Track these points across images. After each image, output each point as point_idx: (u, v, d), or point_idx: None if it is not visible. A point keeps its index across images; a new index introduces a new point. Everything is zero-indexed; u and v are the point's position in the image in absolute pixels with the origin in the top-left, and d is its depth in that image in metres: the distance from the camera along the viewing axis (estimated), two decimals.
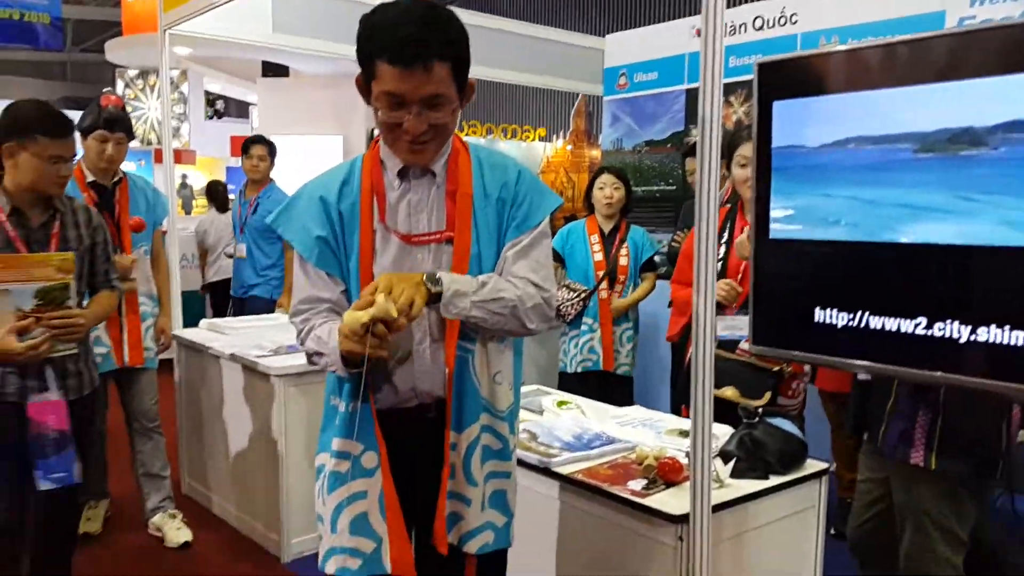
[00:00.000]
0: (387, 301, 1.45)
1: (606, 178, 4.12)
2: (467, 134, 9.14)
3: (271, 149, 5.00)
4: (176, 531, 3.51)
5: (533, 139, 15.57)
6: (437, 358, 1.68)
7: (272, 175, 5.21)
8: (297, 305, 1.70)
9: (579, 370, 4.07)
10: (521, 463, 2.20)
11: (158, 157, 8.43)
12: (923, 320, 1.59)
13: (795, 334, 1.81)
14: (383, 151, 1.69)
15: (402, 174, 1.67)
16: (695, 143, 3.22)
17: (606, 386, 4.01)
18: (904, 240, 1.63)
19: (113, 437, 3.70)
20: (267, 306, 4.83)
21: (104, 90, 3.58)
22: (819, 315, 1.75)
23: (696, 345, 1.79)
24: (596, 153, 11.48)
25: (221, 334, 4.00)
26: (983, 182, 1.51)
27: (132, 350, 3.45)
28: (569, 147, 15.19)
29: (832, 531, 3.66)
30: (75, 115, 3.55)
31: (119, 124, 3.35)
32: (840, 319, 1.72)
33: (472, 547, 1.70)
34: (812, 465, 2.21)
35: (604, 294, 4.07)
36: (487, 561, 1.76)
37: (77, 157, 2.83)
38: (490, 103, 14.07)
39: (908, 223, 1.61)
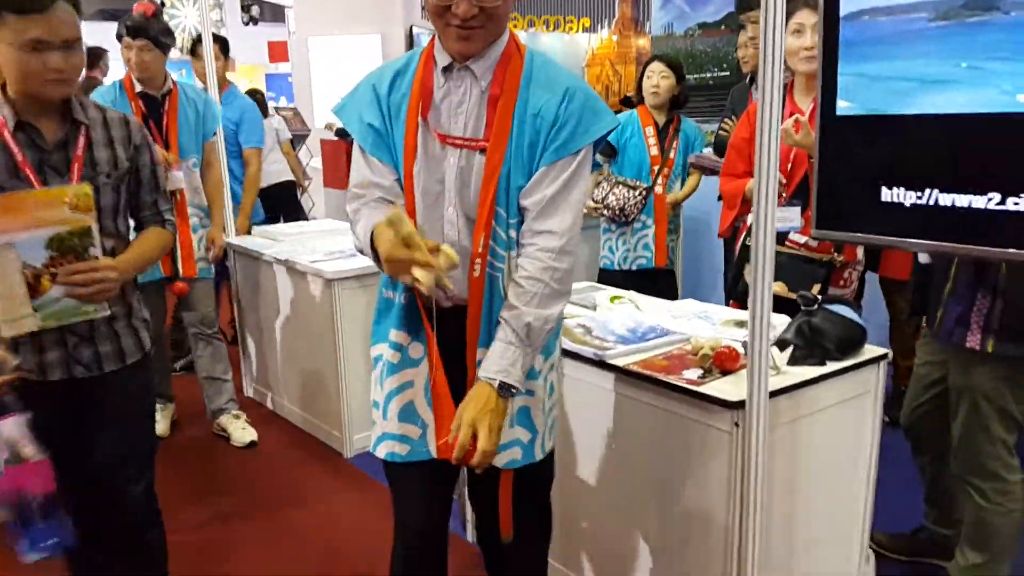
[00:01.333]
0: (441, 273, 1.42)
1: (655, 66, 3.96)
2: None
3: (223, 46, 4.51)
4: (241, 431, 3.64)
5: (577, 30, 15.13)
6: (466, 271, 1.64)
7: (313, 77, 5.08)
8: (353, 187, 1.70)
9: (633, 267, 4.00)
10: (576, 356, 2.22)
11: None
12: (996, 196, 1.52)
13: (861, 216, 1.74)
14: (436, 46, 1.64)
15: (447, 71, 1.62)
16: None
17: (652, 282, 3.95)
18: (964, 112, 1.54)
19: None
20: None
21: None
22: (886, 195, 1.67)
23: (756, 232, 1.75)
24: (644, 42, 11.11)
25: (274, 241, 4.04)
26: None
27: (185, 262, 3.51)
28: (615, 37, 14.73)
29: (886, 418, 3.66)
30: (112, 27, 3.54)
31: (141, 32, 3.31)
32: (908, 198, 1.65)
33: (499, 461, 1.68)
34: (870, 351, 2.18)
35: (659, 189, 3.98)
36: (524, 476, 1.74)
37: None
38: None
39: (963, 92, 1.52)
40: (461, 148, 1.62)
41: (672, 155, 3.98)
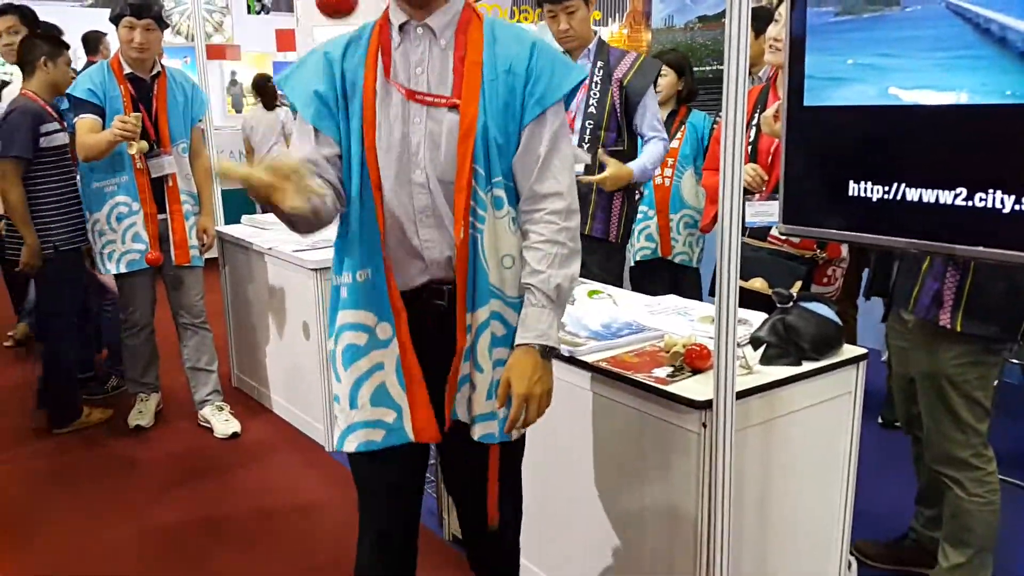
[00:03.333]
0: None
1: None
2: (518, 20, 8.80)
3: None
4: (224, 423, 3.62)
5: None
6: (444, 233, 1.62)
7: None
8: None
9: (638, 258, 4.00)
10: None
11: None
12: (963, 191, 1.46)
13: (827, 211, 1.69)
14: (391, 6, 1.61)
15: (403, 29, 1.60)
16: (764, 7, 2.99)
17: (671, 276, 3.96)
18: (930, 103, 1.49)
19: (163, 333, 3.79)
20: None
21: None
22: (853, 189, 1.62)
23: (721, 227, 1.69)
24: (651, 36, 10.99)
25: (263, 229, 4.01)
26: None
27: (178, 249, 3.49)
28: (626, 31, 14.63)
29: (880, 420, 3.60)
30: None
31: (146, 9, 3.28)
32: (875, 192, 1.59)
33: (475, 433, 1.67)
34: (849, 350, 2.12)
35: (659, 180, 3.94)
36: (500, 453, 1.71)
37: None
38: None
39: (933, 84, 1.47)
40: (429, 106, 1.59)
41: (677, 145, 3.93)
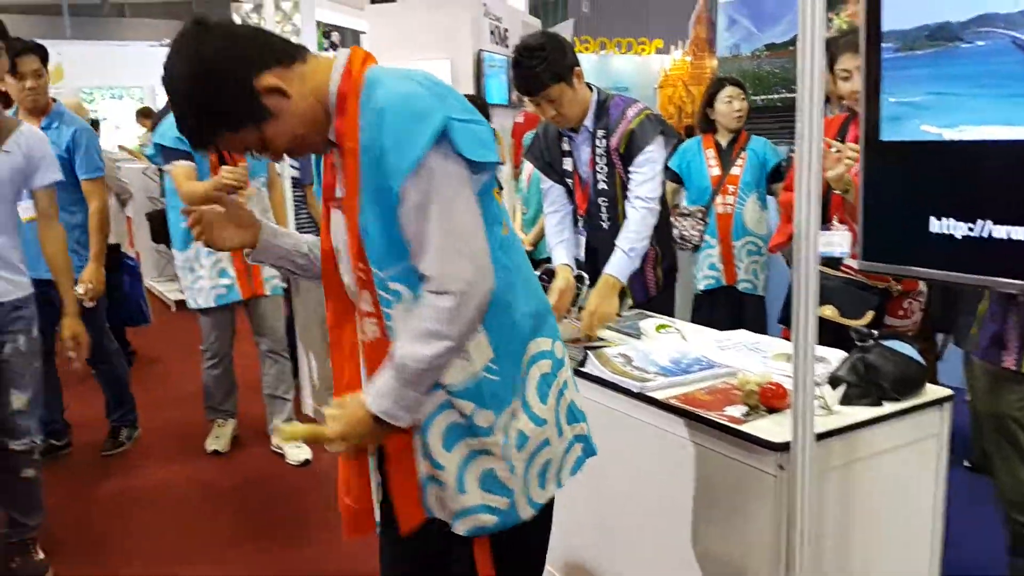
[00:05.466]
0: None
1: (732, 91, 3.87)
2: (578, 51, 8.86)
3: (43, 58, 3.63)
4: (296, 449, 3.69)
5: (650, 52, 15.02)
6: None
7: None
8: None
9: (702, 288, 3.98)
10: (615, 388, 2.15)
11: None
12: None
13: (909, 248, 1.63)
14: None
15: None
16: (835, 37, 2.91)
17: (737, 305, 3.92)
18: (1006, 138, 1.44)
19: (242, 360, 3.91)
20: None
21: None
22: (935, 225, 1.56)
23: (797, 261, 1.65)
24: (717, 64, 10.98)
25: None
26: None
27: (255, 279, 3.58)
28: (688, 58, 14.59)
29: (967, 463, 3.44)
30: None
31: None
32: (959, 230, 1.53)
33: (459, 528, 1.52)
34: (933, 391, 2.04)
35: (721, 208, 3.90)
36: (508, 538, 1.56)
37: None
38: (602, 16, 13.62)
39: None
40: (336, 209, 1.52)
41: (737, 172, 3.88)
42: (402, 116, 1.35)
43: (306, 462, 3.66)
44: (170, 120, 3.47)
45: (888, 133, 1.60)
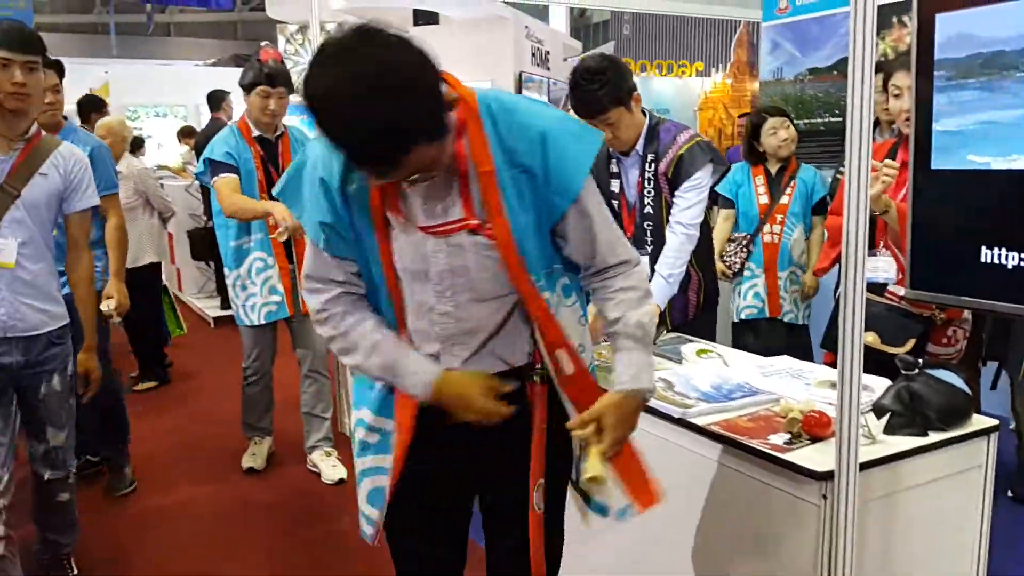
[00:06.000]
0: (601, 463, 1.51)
1: (775, 121, 3.80)
2: None
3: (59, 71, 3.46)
4: (332, 468, 3.70)
5: (690, 74, 15.01)
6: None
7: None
8: (310, 277, 1.61)
9: (743, 317, 3.90)
10: (655, 413, 2.14)
11: None
12: None
13: (957, 277, 1.61)
14: None
15: None
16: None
17: (778, 335, 3.83)
18: None
19: (280, 378, 3.94)
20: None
21: (262, 44, 3.67)
22: (986, 255, 1.55)
23: (844, 287, 1.64)
24: (758, 87, 10.95)
25: None
26: None
27: (302, 297, 3.61)
28: (729, 81, 14.56)
29: (1010, 494, 3.36)
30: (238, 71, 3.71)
31: (279, 78, 3.46)
32: (1011, 259, 1.51)
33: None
34: (979, 421, 2.01)
35: (768, 237, 3.84)
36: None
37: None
38: (643, 38, 13.65)
39: None
40: (444, 236, 1.49)
41: (786, 201, 3.84)
42: (564, 139, 1.47)
43: (341, 481, 3.66)
44: (220, 136, 3.56)
45: (938, 161, 1.58)
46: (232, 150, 3.46)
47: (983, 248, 1.55)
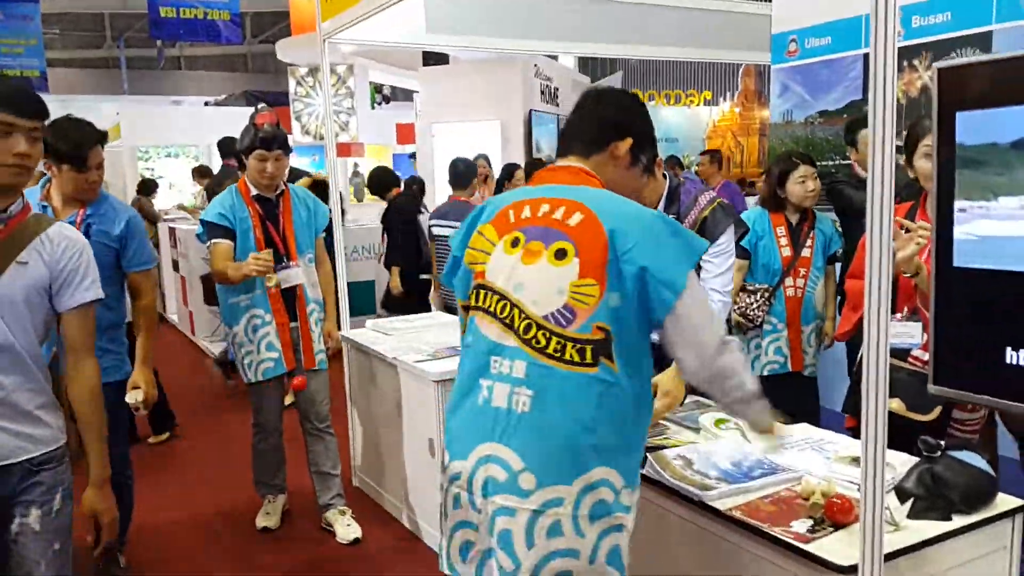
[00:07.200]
0: None
1: (806, 170, 3.73)
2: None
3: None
4: (346, 527, 3.68)
5: (698, 103, 15.06)
6: None
7: (435, 160, 5.11)
8: None
9: (765, 372, 3.77)
10: (675, 494, 2.12)
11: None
12: None
13: (982, 376, 1.60)
14: None
15: None
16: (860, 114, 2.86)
17: (790, 388, 3.75)
18: None
19: (291, 434, 3.91)
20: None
21: (259, 107, 3.69)
22: (1010, 356, 1.53)
23: (868, 362, 1.60)
24: (767, 114, 10.98)
25: (385, 335, 4.12)
26: None
27: (306, 355, 3.62)
28: (737, 109, 14.57)
29: None
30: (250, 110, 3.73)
31: (275, 142, 3.49)
32: None
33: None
34: (1004, 502, 1.98)
35: (791, 291, 3.77)
36: None
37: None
38: (651, 67, 13.69)
39: None
40: None
41: (808, 254, 3.79)
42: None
43: (355, 541, 3.64)
44: (219, 198, 3.58)
45: (960, 259, 1.58)
46: (227, 211, 3.49)
47: (1008, 349, 1.54)
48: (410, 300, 5.64)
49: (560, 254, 1.66)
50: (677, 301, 1.63)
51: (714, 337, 1.72)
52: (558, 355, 1.63)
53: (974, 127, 1.54)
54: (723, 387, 1.82)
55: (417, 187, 6.63)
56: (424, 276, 5.75)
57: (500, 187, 5.95)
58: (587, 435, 1.63)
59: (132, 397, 2.91)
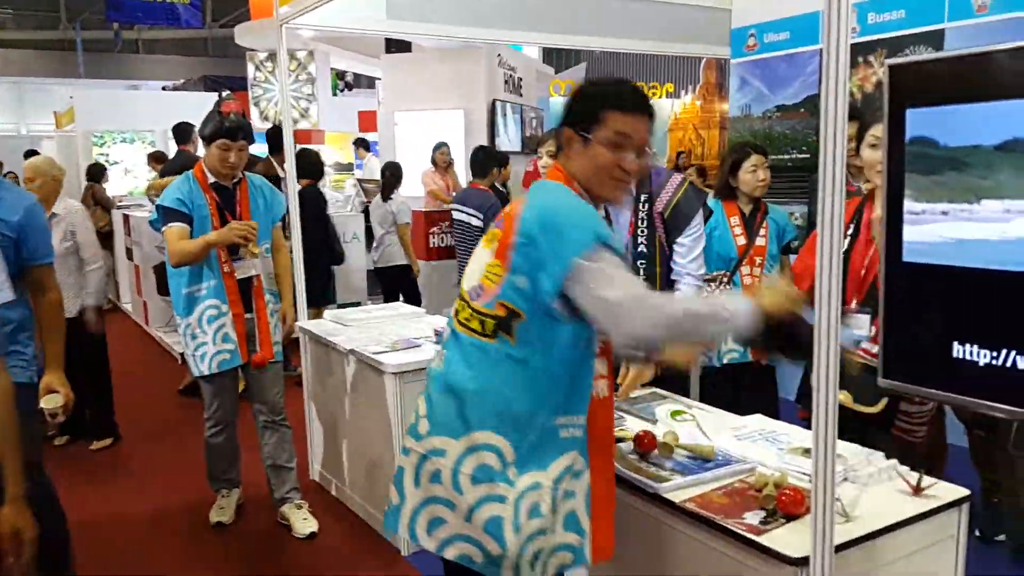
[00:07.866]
0: None
1: (757, 159, 3.75)
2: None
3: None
4: (302, 521, 3.64)
5: (660, 95, 15.12)
6: None
7: (397, 148, 5.16)
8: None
9: (725, 361, 3.78)
10: (629, 486, 2.13)
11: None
12: None
13: (930, 369, 1.62)
14: None
15: None
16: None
17: (753, 376, 3.78)
18: None
19: (246, 428, 3.86)
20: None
21: (223, 95, 3.65)
22: (957, 350, 1.55)
23: (817, 365, 1.61)
24: (727, 107, 11.10)
25: (344, 326, 4.08)
26: None
27: (263, 345, 3.56)
28: (699, 102, 14.68)
29: (978, 532, 3.40)
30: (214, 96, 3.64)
31: (241, 132, 3.43)
32: (982, 357, 1.52)
33: (448, 552, 1.80)
34: (950, 491, 2.02)
35: (748, 279, 3.79)
36: None
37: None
38: (614, 60, 13.74)
39: None
40: None
41: (762, 243, 3.84)
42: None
43: (312, 535, 3.60)
44: (175, 184, 3.51)
45: (910, 255, 1.59)
46: (185, 197, 3.42)
47: (955, 343, 1.56)
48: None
49: (491, 239, 1.86)
50: (565, 281, 1.68)
51: (622, 295, 1.64)
52: (466, 323, 1.84)
53: (925, 125, 1.55)
54: (682, 331, 1.68)
55: (390, 173, 6.60)
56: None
57: (486, 172, 5.80)
58: (476, 398, 1.78)
59: (50, 402, 2.69)
